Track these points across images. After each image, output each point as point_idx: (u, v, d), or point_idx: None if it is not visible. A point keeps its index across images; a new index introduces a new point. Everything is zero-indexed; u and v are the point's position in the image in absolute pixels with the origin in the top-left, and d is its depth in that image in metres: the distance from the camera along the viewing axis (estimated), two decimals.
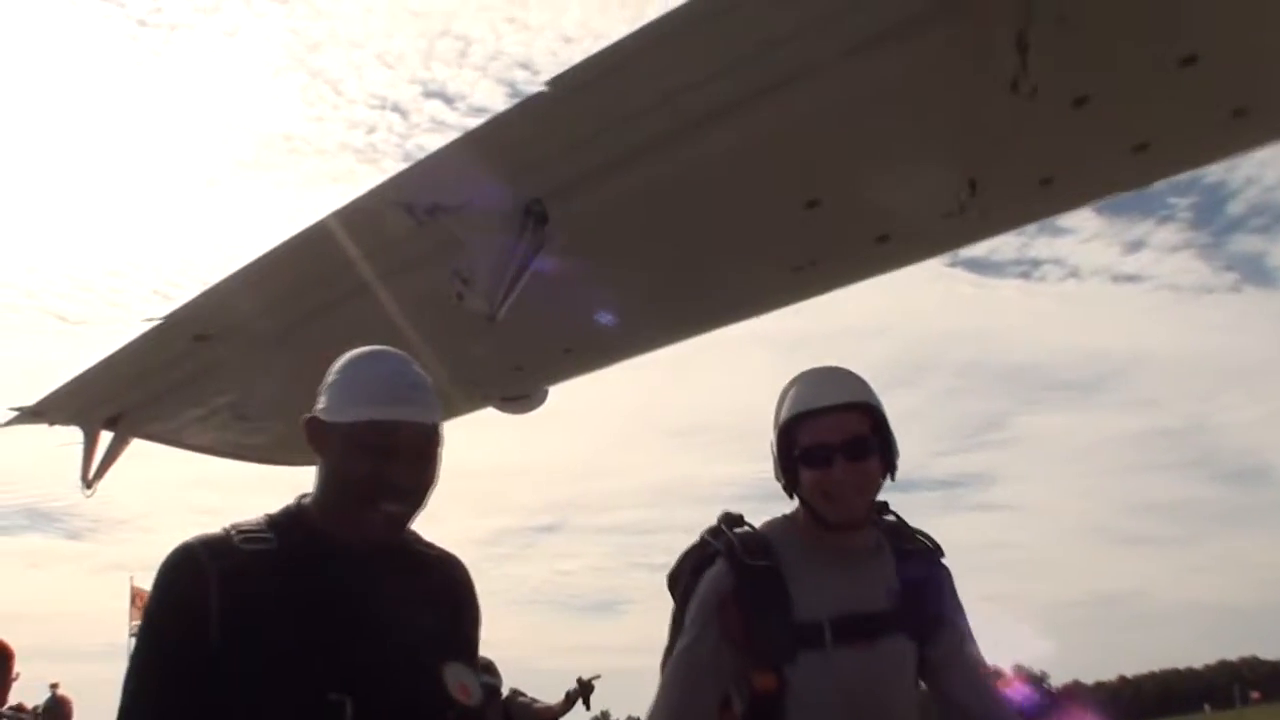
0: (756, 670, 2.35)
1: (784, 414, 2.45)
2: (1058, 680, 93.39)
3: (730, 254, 4.18)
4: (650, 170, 3.56)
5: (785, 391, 2.49)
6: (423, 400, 1.94)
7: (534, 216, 3.76)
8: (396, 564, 1.96)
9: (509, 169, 3.63)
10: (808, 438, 2.38)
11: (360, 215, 3.75)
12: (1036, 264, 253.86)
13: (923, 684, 2.51)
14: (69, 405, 5.09)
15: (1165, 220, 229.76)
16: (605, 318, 4.61)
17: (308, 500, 1.97)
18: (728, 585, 2.38)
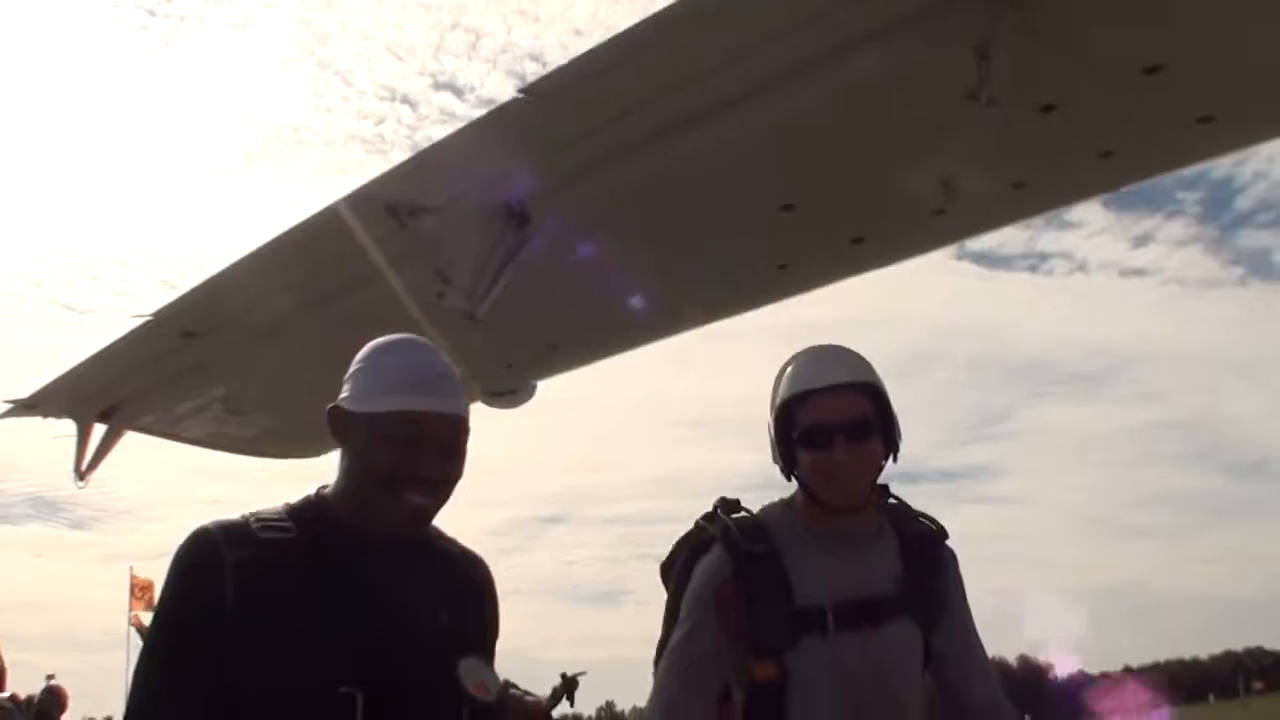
0: (757, 659, 2.23)
1: (782, 393, 2.31)
2: (1063, 671, 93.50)
3: (709, 254, 4.27)
4: (627, 174, 3.64)
5: (783, 370, 2.35)
6: (450, 391, 1.87)
7: (515, 217, 3.85)
8: (418, 559, 1.91)
9: (490, 171, 3.70)
10: (807, 418, 2.25)
11: (344, 215, 3.81)
12: (1044, 257, 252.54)
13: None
14: (62, 398, 5.18)
15: (1173, 215, 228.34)
16: (595, 312, 4.71)
17: (328, 491, 1.91)
18: (725, 572, 2.27)
